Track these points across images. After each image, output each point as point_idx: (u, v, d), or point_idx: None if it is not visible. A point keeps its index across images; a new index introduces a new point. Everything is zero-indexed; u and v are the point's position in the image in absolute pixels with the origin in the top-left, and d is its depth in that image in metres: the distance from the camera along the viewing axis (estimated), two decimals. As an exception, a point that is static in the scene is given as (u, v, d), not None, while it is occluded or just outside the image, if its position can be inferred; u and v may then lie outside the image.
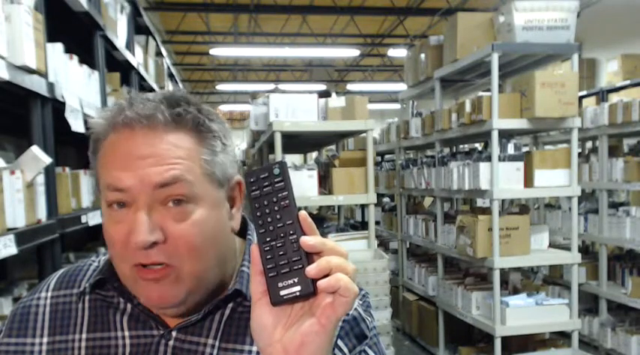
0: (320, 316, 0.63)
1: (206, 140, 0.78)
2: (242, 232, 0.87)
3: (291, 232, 0.65)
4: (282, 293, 0.63)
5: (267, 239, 0.65)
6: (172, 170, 0.74)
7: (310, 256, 0.64)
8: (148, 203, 0.73)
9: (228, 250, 0.82)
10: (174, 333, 0.80)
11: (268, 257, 0.65)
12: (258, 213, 0.66)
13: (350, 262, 0.65)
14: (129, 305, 0.82)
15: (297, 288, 0.63)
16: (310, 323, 0.63)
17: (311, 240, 0.64)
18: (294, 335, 0.64)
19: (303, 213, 0.65)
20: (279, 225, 0.65)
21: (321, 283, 0.62)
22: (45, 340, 0.83)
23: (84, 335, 0.82)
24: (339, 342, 0.79)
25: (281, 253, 0.64)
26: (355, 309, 0.82)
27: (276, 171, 0.66)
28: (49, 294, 0.87)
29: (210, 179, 0.77)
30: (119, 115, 0.76)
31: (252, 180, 0.67)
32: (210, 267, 0.78)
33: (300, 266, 0.63)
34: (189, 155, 0.75)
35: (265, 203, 0.66)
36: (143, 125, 0.74)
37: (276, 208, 0.65)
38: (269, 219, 0.66)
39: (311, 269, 0.62)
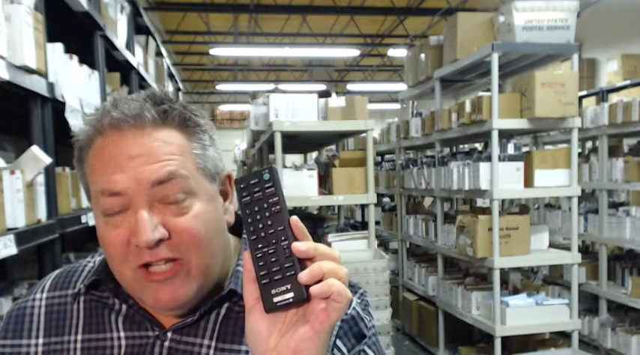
0: (313, 322, 0.62)
1: (195, 135, 0.78)
2: (238, 231, 0.86)
3: (282, 238, 0.63)
4: (275, 300, 0.62)
5: (259, 245, 0.64)
6: (167, 166, 0.73)
7: (303, 262, 0.63)
8: (147, 202, 0.73)
9: (226, 245, 0.82)
10: (169, 334, 0.79)
11: (260, 263, 0.64)
12: (249, 220, 0.65)
13: (343, 266, 0.64)
14: (124, 306, 0.81)
15: (290, 295, 0.62)
16: (304, 330, 0.63)
17: (302, 245, 0.63)
18: (288, 342, 0.63)
19: (294, 219, 0.64)
20: (270, 231, 0.64)
21: (313, 289, 0.61)
22: (40, 341, 0.83)
23: (79, 337, 0.82)
24: (338, 342, 0.78)
25: (273, 259, 0.63)
26: (354, 308, 0.81)
27: (266, 176, 0.65)
28: (44, 295, 0.87)
29: (204, 173, 0.77)
30: (104, 118, 0.74)
31: (242, 186, 0.66)
32: (215, 260, 0.78)
33: (292, 272, 0.62)
34: (180, 150, 0.75)
35: (256, 209, 0.65)
36: (131, 125, 0.73)
37: (267, 214, 0.64)
38: (260, 226, 0.64)
39: (303, 276, 0.61)
